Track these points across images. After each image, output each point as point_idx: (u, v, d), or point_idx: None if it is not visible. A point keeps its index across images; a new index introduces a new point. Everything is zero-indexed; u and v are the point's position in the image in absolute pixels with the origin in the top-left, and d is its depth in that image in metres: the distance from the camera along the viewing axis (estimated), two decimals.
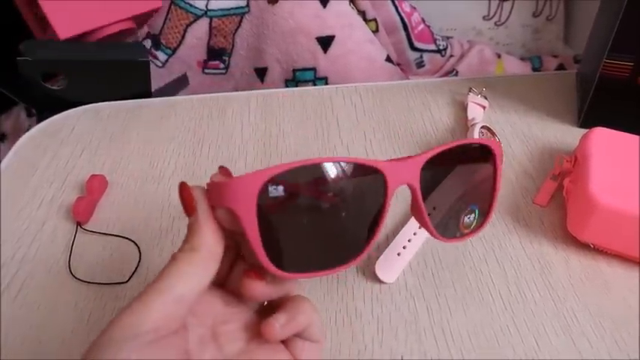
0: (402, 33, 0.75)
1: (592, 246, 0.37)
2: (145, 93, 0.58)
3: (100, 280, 0.37)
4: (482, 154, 0.32)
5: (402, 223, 0.40)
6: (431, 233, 0.30)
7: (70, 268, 0.37)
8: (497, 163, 0.32)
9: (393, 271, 0.36)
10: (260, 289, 0.24)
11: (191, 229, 0.24)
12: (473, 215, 0.32)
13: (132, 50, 0.59)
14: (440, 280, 0.36)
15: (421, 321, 0.34)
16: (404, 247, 0.38)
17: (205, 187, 0.25)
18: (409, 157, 0.28)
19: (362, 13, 0.71)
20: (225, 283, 0.27)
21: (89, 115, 0.54)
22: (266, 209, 0.23)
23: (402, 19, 0.74)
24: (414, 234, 0.39)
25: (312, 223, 0.26)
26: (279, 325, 0.25)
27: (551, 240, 0.39)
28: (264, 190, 0.23)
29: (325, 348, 0.32)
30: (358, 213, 0.26)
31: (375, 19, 0.72)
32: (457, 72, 0.76)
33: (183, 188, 0.24)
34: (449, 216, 0.32)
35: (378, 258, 0.37)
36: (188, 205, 0.24)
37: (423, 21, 0.77)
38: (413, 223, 0.39)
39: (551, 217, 0.41)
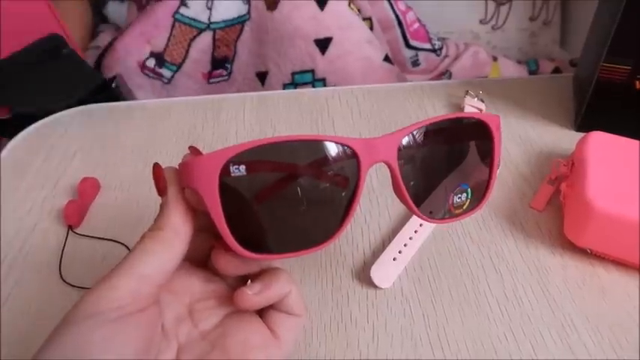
0: (397, 30, 0.75)
1: (589, 251, 0.37)
2: (97, 80, 0.54)
3: (92, 284, 0.36)
4: (475, 129, 0.30)
5: (398, 227, 0.40)
6: (415, 213, 0.29)
7: (60, 272, 0.37)
8: (495, 137, 0.30)
9: (388, 276, 0.36)
10: (231, 263, 0.25)
11: (160, 209, 0.24)
12: (465, 195, 0.30)
13: (49, 45, 0.55)
14: (436, 286, 0.36)
15: (417, 327, 0.33)
16: (400, 252, 0.37)
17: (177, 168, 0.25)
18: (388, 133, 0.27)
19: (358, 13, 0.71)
20: (207, 263, 0.27)
21: (82, 117, 0.53)
22: (230, 189, 0.23)
23: (397, 16, 0.75)
24: (410, 238, 0.38)
25: (281, 204, 0.25)
26: (251, 292, 0.25)
27: (548, 245, 0.39)
28: (226, 170, 0.22)
29: (319, 354, 0.32)
30: (331, 193, 0.26)
31: (370, 18, 0.72)
32: (450, 73, 0.76)
33: (155, 169, 0.25)
34: (436, 196, 0.30)
35: (373, 263, 0.36)
36: (159, 186, 0.24)
37: (419, 20, 0.78)
38: (409, 227, 0.39)
39: (548, 221, 0.41)
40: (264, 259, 0.25)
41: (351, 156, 0.25)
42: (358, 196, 0.26)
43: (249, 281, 0.27)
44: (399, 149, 0.27)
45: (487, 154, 0.30)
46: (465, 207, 0.31)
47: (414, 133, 0.27)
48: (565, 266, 0.37)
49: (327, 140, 0.25)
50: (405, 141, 0.27)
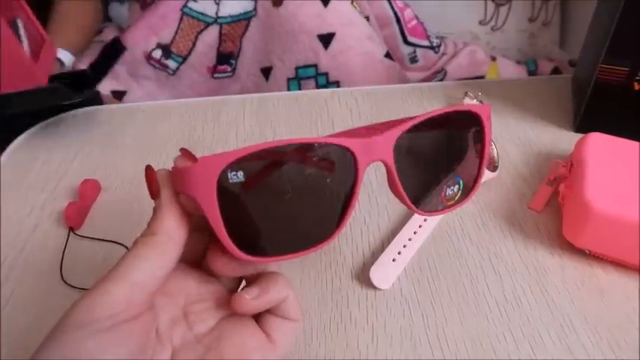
0: (395, 26, 0.76)
1: (588, 252, 0.37)
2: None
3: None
4: (467, 122, 0.30)
5: (398, 228, 0.40)
6: (410, 207, 0.29)
7: (61, 273, 0.37)
8: (485, 126, 0.30)
9: (388, 277, 0.36)
10: (228, 265, 0.24)
11: (154, 213, 0.24)
12: (457, 186, 0.31)
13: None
14: (435, 287, 0.36)
15: (416, 328, 0.34)
16: (399, 253, 0.37)
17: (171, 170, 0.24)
18: (382, 130, 0.27)
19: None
20: (201, 263, 0.27)
21: (83, 118, 0.53)
22: (228, 195, 0.22)
23: (395, 13, 0.75)
24: (409, 239, 0.38)
25: (279, 207, 0.25)
26: (249, 297, 0.24)
27: (546, 246, 0.39)
28: (224, 176, 0.22)
29: (319, 355, 0.32)
30: (329, 195, 0.26)
31: (367, 17, 0.73)
32: (445, 71, 0.77)
33: (148, 172, 0.24)
34: (430, 189, 0.30)
35: (373, 264, 0.36)
36: (152, 189, 0.24)
37: (416, 17, 0.78)
38: (408, 228, 0.39)
39: (547, 222, 0.41)
40: (264, 261, 0.25)
41: (347, 156, 0.25)
42: (356, 195, 0.26)
43: (243, 282, 0.27)
44: (394, 146, 0.27)
45: (478, 144, 0.31)
46: (456, 198, 0.31)
47: (408, 129, 0.27)
48: (564, 267, 0.37)
49: (323, 142, 0.25)
50: (399, 137, 0.27)
